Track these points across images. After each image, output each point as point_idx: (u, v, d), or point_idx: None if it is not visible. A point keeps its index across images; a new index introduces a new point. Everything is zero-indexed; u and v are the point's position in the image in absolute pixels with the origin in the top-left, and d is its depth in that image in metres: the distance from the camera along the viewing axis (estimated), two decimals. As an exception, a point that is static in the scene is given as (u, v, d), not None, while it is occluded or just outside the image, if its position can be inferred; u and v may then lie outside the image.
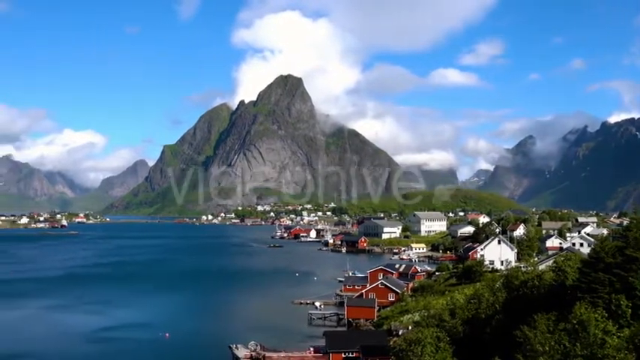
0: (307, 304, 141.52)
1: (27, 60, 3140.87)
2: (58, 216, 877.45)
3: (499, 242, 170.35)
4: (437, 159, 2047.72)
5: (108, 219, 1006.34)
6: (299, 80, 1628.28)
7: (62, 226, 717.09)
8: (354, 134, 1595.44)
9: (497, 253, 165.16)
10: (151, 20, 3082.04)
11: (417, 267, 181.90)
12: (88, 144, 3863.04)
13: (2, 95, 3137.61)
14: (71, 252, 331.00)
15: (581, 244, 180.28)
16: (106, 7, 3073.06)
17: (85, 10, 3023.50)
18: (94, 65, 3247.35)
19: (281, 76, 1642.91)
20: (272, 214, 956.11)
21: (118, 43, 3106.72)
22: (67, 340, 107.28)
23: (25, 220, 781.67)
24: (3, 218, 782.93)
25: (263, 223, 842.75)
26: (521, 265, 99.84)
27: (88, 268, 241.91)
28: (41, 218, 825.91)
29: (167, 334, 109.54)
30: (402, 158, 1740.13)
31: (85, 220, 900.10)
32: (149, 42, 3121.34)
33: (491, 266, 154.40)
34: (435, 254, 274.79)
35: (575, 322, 48.02)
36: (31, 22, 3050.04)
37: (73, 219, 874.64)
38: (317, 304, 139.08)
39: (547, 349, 47.67)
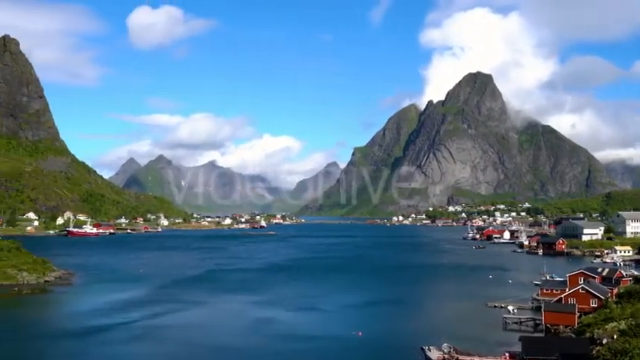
0: (501, 307, 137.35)
1: (231, 71, 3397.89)
2: (258, 217, 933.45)
3: None
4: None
5: (303, 220, 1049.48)
6: (489, 77, 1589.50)
7: (261, 226, 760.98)
8: (549, 130, 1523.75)
9: None
10: (344, 28, 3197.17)
11: (622, 271, 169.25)
12: (285, 148, 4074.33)
13: (210, 105, 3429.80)
14: (273, 249, 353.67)
15: None
16: (301, 18, 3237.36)
17: (282, 21, 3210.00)
18: (290, 73, 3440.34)
19: (470, 73, 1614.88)
20: (463, 214, 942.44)
21: (313, 52, 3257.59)
22: (267, 336, 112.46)
23: (228, 221, 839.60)
24: (209, 220, 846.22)
25: (454, 224, 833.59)
26: None
27: (289, 263, 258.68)
28: (242, 219, 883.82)
29: (360, 333, 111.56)
30: (603, 154, 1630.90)
31: (281, 221, 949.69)
32: (342, 49, 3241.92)
33: None
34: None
35: None
36: (234, 37, 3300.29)
37: (271, 220, 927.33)
38: (510, 307, 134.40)
39: None
